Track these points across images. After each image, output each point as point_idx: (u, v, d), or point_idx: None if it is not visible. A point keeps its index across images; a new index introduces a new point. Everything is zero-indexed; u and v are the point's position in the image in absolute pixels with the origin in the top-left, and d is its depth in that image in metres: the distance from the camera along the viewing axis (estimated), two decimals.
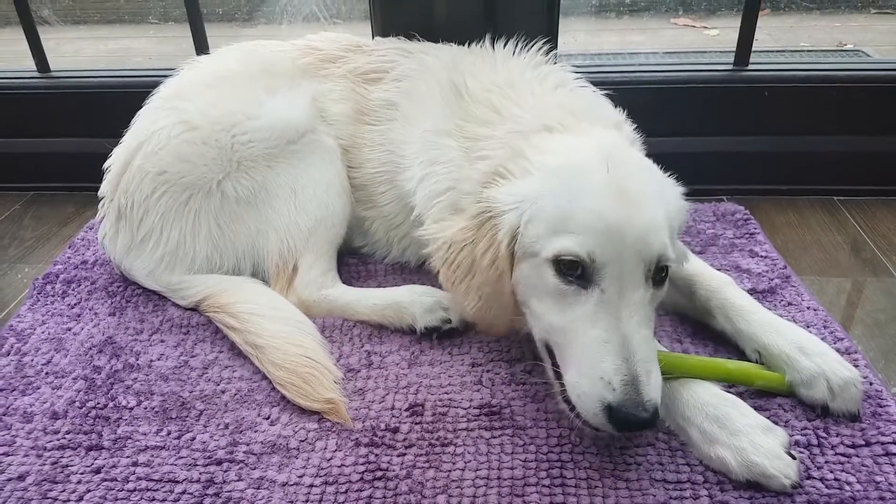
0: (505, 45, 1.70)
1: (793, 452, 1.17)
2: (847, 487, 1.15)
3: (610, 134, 1.40)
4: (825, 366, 1.28)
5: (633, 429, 1.16)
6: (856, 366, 1.34)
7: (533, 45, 1.68)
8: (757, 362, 1.36)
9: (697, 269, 1.52)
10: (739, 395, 1.28)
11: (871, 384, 1.34)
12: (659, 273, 1.22)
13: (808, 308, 1.57)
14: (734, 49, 2.19)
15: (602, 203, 1.19)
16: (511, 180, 1.32)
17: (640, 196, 1.22)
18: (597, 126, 1.42)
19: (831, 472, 1.18)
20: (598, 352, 1.15)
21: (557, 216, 1.22)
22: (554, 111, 1.45)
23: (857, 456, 1.21)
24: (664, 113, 2.15)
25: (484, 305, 1.33)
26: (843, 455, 1.21)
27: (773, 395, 1.33)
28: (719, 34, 3.95)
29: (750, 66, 2.18)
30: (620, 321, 1.16)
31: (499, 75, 1.60)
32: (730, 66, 2.19)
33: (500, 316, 1.35)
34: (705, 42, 3.94)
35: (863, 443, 1.23)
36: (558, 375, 1.24)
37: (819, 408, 1.28)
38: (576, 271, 1.20)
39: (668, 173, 1.38)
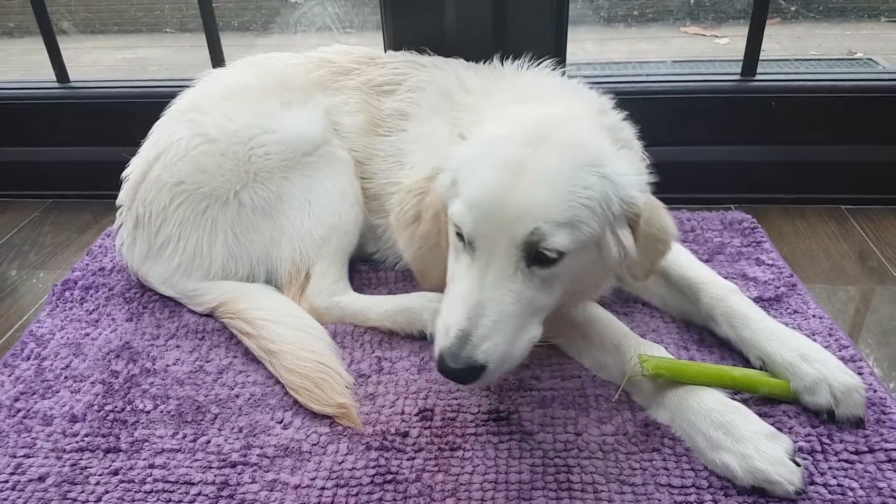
0: (514, 61, 1.73)
1: (797, 459, 1.19)
2: (850, 493, 1.17)
3: (571, 109, 1.41)
4: (827, 372, 1.29)
5: (449, 377, 1.22)
6: (860, 374, 1.35)
7: (542, 61, 1.71)
8: (761, 369, 1.38)
9: (703, 276, 1.54)
10: (744, 402, 1.29)
11: (874, 391, 1.35)
12: (542, 254, 1.23)
13: (813, 316, 1.58)
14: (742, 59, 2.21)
15: (489, 177, 1.24)
16: (464, 142, 1.37)
17: (535, 174, 1.22)
18: (571, 104, 1.44)
19: (834, 478, 1.19)
20: (455, 303, 1.23)
21: (461, 182, 1.28)
22: (535, 90, 1.51)
23: (861, 462, 1.22)
24: (672, 122, 2.17)
25: (422, 254, 1.43)
26: (846, 461, 1.22)
27: (777, 402, 1.34)
28: (729, 43, 3.96)
29: (757, 77, 2.20)
30: (481, 287, 1.22)
31: (501, 83, 1.66)
32: (737, 77, 2.21)
33: (436, 266, 1.42)
34: (715, 51, 3.95)
35: (866, 449, 1.24)
36: None
37: (825, 414, 1.29)
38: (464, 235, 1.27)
39: (651, 171, 1.39)
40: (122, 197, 1.76)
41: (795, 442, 1.24)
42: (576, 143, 1.29)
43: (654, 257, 1.36)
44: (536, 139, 1.26)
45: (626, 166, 1.32)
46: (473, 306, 1.21)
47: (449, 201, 1.31)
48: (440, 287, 1.42)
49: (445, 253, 1.37)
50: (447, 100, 1.68)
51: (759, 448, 1.18)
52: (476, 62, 1.82)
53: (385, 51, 2.00)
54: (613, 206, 1.27)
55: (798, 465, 1.17)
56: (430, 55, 1.89)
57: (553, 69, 1.70)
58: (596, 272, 1.35)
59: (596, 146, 1.30)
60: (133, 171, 1.75)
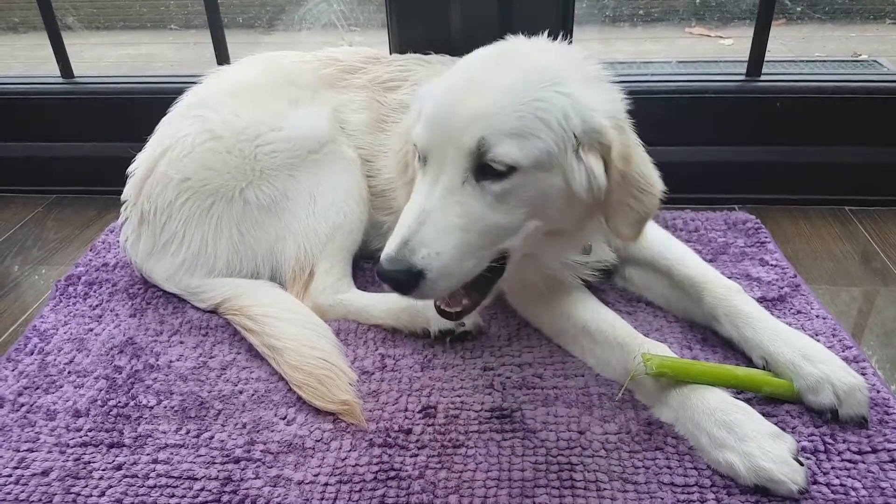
0: None
1: (800, 459, 1.19)
2: (853, 493, 1.17)
3: (541, 43, 1.42)
4: (830, 372, 1.29)
5: (386, 281, 1.23)
6: (863, 374, 1.35)
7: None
8: (764, 369, 1.38)
9: (707, 276, 1.54)
10: (748, 401, 1.29)
11: (878, 392, 1.35)
12: (491, 167, 1.23)
13: (817, 317, 1.59)
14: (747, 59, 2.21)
15: (443, 92, 1.27)
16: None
17: (485, 86, 1.24)
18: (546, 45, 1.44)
19: (837, 477, 1.19)
20: (403, 215, 1.26)
21: (423, 108, 1.31)
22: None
23: (864, 462, 1.22)
24: (677, 122, 2.17)
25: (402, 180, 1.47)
26: (849, 461, 1.22)
27: (780, 402, 1.34)
28: (734, 44, 3.96)
29: (762, 77, 2.20)
30: (428, 197, 1.24)
31: None
32: (742, 77, 2.21)
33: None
34: (720, 51, 3.95)
35: (869, 449, 1.24)
36: None
37: (828, 413, 1.29)
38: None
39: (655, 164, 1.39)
40: (128, 192, 1.77)
41: (799, 441, 1.24)
42: (536, 65, 1.30)
43: (638, 209, 1.32)
44: (495, 61, 1.31)
45: (594, 93, 1.31)
46: (418, 214, 1.23)
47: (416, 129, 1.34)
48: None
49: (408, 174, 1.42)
50: None
51: (763, 447, 1.17)
52: None
53: (390, 52, 2.01)
54: (573, 123, 1.25)
55: (801, 464, 1.17)
56: (436, 56, 1.89)
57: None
58: (564, 202, 1.31)
59: (559, 70, 1.30)
60: (139, 166, 1.76)
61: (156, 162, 1.71)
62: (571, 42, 1.71)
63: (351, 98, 1.81)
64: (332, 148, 1.74)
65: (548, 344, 1.55)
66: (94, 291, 1.82)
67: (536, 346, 1.54)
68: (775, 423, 1.25)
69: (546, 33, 1.48)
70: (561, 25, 2.06)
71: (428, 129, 1.26)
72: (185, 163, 1.67)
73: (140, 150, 1.78)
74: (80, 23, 4.78)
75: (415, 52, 1.91)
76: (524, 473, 1.24)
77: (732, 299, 1.47)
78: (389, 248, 1.21)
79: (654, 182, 1.34)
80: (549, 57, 1.36)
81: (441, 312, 1.38)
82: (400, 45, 2.06)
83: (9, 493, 1.25)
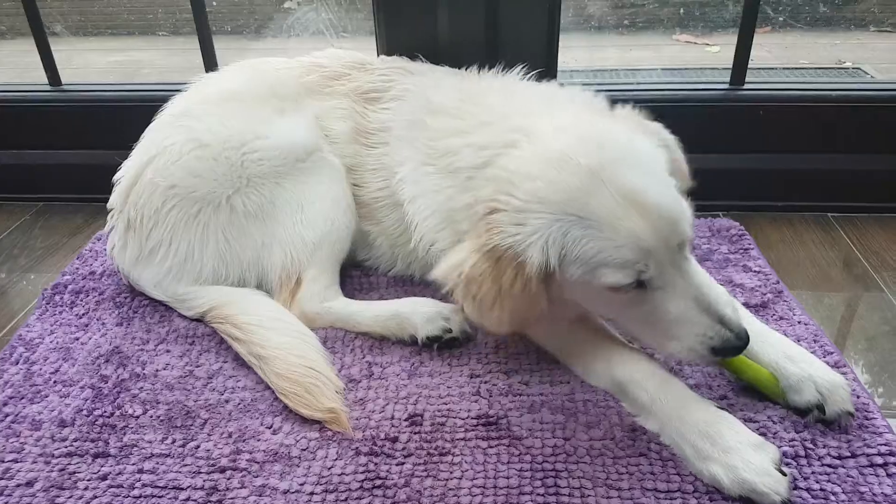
0: (500, 69, 1.75)
1: (783, 469, 1.19)
2: (832, 498, 1.18)
3: (570, 124, 1.40)
4: (812, 370, 1.33)
5: (735, 354, 1.30)
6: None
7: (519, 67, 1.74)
8: None
9: None
10: (731, 407, 1.31)
11: (857, 397, 1.37)
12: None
13: (799, 322, 1.60)
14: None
15: (626, 226, 1.23)
16: (510, 214, 1.31)
17: (654, 194, 1.26)
18: (555, 116, 1.44)
19: (817, 482, 1.21)
20: (685, 325, 1.27)
21: (591, 254, 1.25)
22: (515, 106, 1.52)
23: (843, 467, 1.24)
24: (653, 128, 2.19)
25: (519, 321, 1.39)
26: (829, 466, 1.24)
27: (762, 408, 1.36)
28: (720, 51, 3.99)
29: (746, 85, 2.22)
30: (688, 293, 1.27)
31: (474, 86, 1.68)
32: (726, 85, 2.23)
33: (530, 320, 1.40)
34: (706, 59, 3.98)
35: (849, 454, 1.26)
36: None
37: (815, 411, 1.30)
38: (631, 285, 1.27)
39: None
40: (114, 200, 1.76)
41: (780, 447, 1.25)
42: (626, 148, 1.34)
43: None
44: (606, 170, 1.27)
45: (655, 140, 1.43)
46: (698, 304, 1.27)
47: (579, 277, 1.28)
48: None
49: (538, 310, 1.35)
50: (417, 126, 1.66)
51: (745, 458, 1.18)
52: (466, 68, 1.83)
53: (378, 56, 2.01)
54: (668, 167, 1.38)
55: (784, 474, 1.18)
56: (423, 61, 1.90)
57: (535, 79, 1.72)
58: None
59: (629, 136, 1.37)
60: (125, 174, 1.75)
61: (142, 169, 1.71)
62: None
63: (334, 106, 1.81)
64: (318, 156, 1.74)
65: (534, 351, 1.56)
66: (81, 300, 1.81)
67: (523, 354, 1.55)
68: (757, 428, 1.28)
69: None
70: (547, 33, 2.07)
71: (643, 261, 1.24)
72: (172, 170, 1.67)
73: (126, 158, 1.78)
74: (68, 30, 4.76)
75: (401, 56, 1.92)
76: (510, 481, 1.25)
77: None
78: (727, 334, 1.25)
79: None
80: (612, 126, 1.41)
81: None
82: (388, 51, 2.06)
83: None
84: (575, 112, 1.47)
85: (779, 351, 1.37)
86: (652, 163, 1.34)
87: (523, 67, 1.74)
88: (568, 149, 1.31)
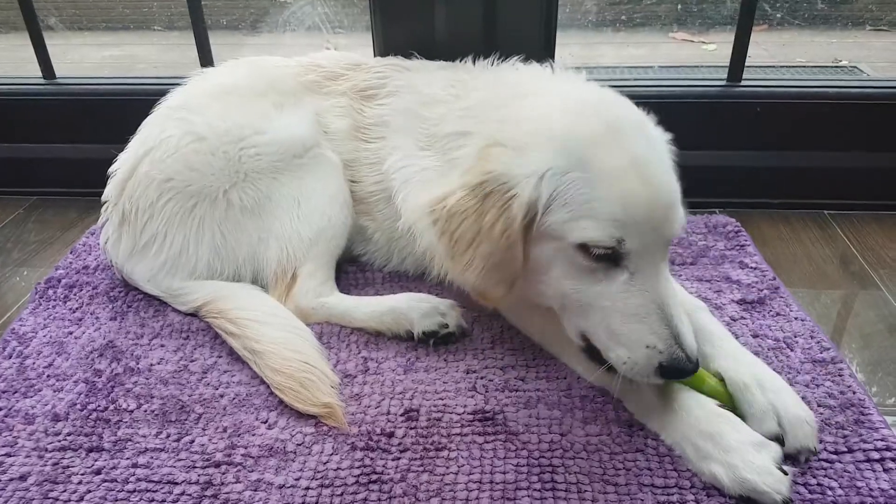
0: (488, 59, 1.75)
1: (784, 468, 1.18)
2: (829, 493, 1.18)
3: (591, 86, 1.42)
4: (779, 402, 1.26)
5: (680, 377, 1.25)
6: (840, 375, 1.38)
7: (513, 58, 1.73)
8: None
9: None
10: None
11: (854, 393, 1.37)
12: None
13: (795, 318, 1.60)
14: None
15: (625, 187, 1.21)
16: (513, 149, 1.29)
17: (657, 168, 1.25)
18: (570, 81, 1.45)
19: (814, 477, 1.21)
20: (639, 325, 1.23)
21: (580, 201, 1.23)
22: (517, 82, 1.51)
23: (840, 462, 1.24)
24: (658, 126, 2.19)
25: (489, 273, 1.33)
26: (826, 461, 1.24)
27: None
28: (717, 49, 4.00)
29: (743, 82, 2.22)
30: (654, 291, 1.23)
31: (465, 75, 1.69)
32: (723, 82, 2.23)
33: (504, 282, 1.34)
34: (703, 56, 3.98)
35: (845, 449, 1.26)
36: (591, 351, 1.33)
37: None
38: (604, 254, 1.23)
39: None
40: (109, 192, 1.75)
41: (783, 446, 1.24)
42: (640, 123, 1.34)
43: None
44: (620, 132, 1.26)
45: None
46: (658, 313, 1.22)
47: (559, 226, 1.25)
48: (501, 301, 1.42)
49: (517, 266, 1.30)
50: (412, 116, 1.66)
51: (746, 458, 1.18)
52: (462, 59, 1.82)
53: (374, 55, 2.01)
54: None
55: (785, 473, 1.17)
56: (418, 59, 1.89)
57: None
58: None
59: (642, 116, 1.37)
60: (121, 166, 1.74)
61: (138, 162, 1.70)
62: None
63: (332, 104, 1.81)
64: (316, 152, 1.74)
65: (531, 346, 1.55)
66: (74, 294, 1.80)
67: (519, 349, 1.55)
68: None
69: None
70: (544, 30, 2.07)
71: (629, 231, 1.21)
72: (169, 163, 1.66)
73: (122, 151, 1.77)
74: (63, 23, 4.74)
75: (398, 55, 1.92)
76: (506, 476, 1.24)
77: (696, 315, 1.44)
78: (678, 353, 1.21)
79: None
80: (618, 99, 1.40)
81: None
82: (384, 47, 2.06)
83: None
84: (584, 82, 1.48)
85: (751, 374, 1.30)
86: (663, 149, 1.35)
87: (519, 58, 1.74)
88: (587, 100, 1.33)
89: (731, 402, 1.29)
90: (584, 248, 1.24)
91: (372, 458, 1.29)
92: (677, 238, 1.27)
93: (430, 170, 1.57)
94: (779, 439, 1.23)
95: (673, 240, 1.26)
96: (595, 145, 1.25)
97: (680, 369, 1.21)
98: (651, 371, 1.22)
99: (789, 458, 1.23)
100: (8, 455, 1.33)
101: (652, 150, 1.29)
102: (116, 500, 1.23)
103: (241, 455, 1.30)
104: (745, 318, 1.62)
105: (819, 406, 1.35)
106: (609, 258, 1.24)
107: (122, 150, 1.77)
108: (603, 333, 1.28)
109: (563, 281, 1.30)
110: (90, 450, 1.33)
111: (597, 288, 1.26)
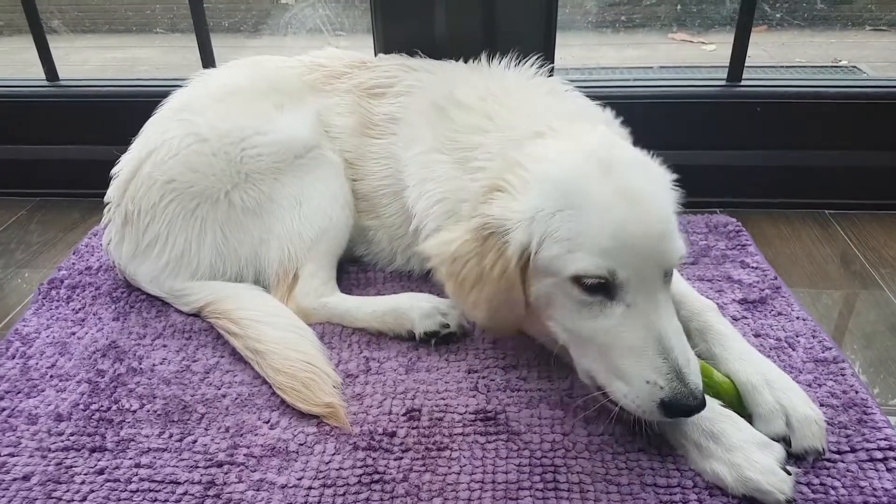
0: (501, 60, 1.75)
1: (788, 468, 1.18)
2: (832, 492, 1.18)
3: (599, 132, 1.42)
4: (787, 401, 1.26)
5: (686, 415, 1.21)
6: (842, 375, 1.37)
7: (528, 60, 1.73)
8: None
9: (683, 291, 1.53)
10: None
11: (856, 392, 1.37)
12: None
13: (797, 318, 1.60)
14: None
15: (613, 217, 1.21)
16: (510, 194, 1.33)
17: (648, 199, 1.25)
18: (586, 125, 1.45)
19: (817, 476, 1.21)
20: (638, 359, 1.20)
21: (570, 236, 1.23)
22: (544, 115, 1.50)
23: (843, 461, 1.24)
24: (659, 127, 2.18)
25: (495, 313, 1.36)
26: (828, 461, 1.24)
27: None
28: (716, 49, 4.00)
29: (743, 82, 2.23)
30: (652, 324, 1.21)
31: (494, 84, 1.66)
32: (723, 82, 2.24)
33: (510, 321, 1.39)
34: (702, 57, 3.99)
35: (848, 449, 1.26)
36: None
37: (782, 442, 1.24)
38: (598, 286, 1.23)
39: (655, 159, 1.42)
40: (111, 194, 1.76)
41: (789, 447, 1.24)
42: (636, 160, 1.35)
43: None
44: (611, 167, 1.28)
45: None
46: (657, 346, 1.19)
47: (552, 262, 1.25)
48: (514, 334, 1.48)
49: (519, 306, 1.33)
50: (440, 113, 1.65)
51: (750, 457, 1.18)
52: (475, 59, 1.82)
53: (375, 54, 2.01)
54: (676, 202, 1.35)
55: (789, 473, 1.17)
56: (421, 57, 1.90)
57: (545, 74, 1.73)
58: None
59: (643, 157, 1.38)
60: (123, 168, 1.75)
61: (140, 163, 1.70)
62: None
63: (336, 102, 1.81)
64: (317, 153, 1.74)
65: (532, 346, 1.55)
66: (77, 295, 1.80)
67: (521, 349, 1.55)
68: None
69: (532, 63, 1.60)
70: (544, 31, 2.07)
71: (624, 258, 1.20)
72: (171, 164, 1.67)
73: (125, 152, 1.77)
74: (66, 26, 4.75)
75: (399, 54, 1.92)
76: (508, 476, 1.24)
77: (705, 315, 1.45)
78: (680, 388, 1.16)
79: None
80: (621, 143, 1.41)
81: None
82: (385, 47, 2.06)
83: None
84: (601, 127, 1.48)
85: (760, 373, 1.30)
86: (661, 183, 1.34)
87: (536, 60, 1.74)
88: (588, 144, 1.34)
89: (739, 402, 1.30)
90: (577, 280, 1.23)
91: (374, 458, 1.29)
92: (675, 268, 1.25)
93: (445, 180, 1.56)
94: (786, 440, 1.23)
95: (670, 270, 1.24)
96: (585, 182, 1.27)
97: (683, 405, 1.17)
98: (653, 407, 1.18)
99: (796, 459, 1.23)
100: (11, 455, 1.33)
101: (645, 182, 1.29)
102: (119, 500, 1.23)
103: (244, 455, 1.31)
104: (746, 318, 1.62)
105: (822, 406, 1.35)
106: (604, 290, 1.23)
107: (125, 152, 1.78)
108: (602, 368, 1.26)
109: (563, 317, 1.31)
110: (93, 450, 1.33)
111: (594, 322, 1.24)
